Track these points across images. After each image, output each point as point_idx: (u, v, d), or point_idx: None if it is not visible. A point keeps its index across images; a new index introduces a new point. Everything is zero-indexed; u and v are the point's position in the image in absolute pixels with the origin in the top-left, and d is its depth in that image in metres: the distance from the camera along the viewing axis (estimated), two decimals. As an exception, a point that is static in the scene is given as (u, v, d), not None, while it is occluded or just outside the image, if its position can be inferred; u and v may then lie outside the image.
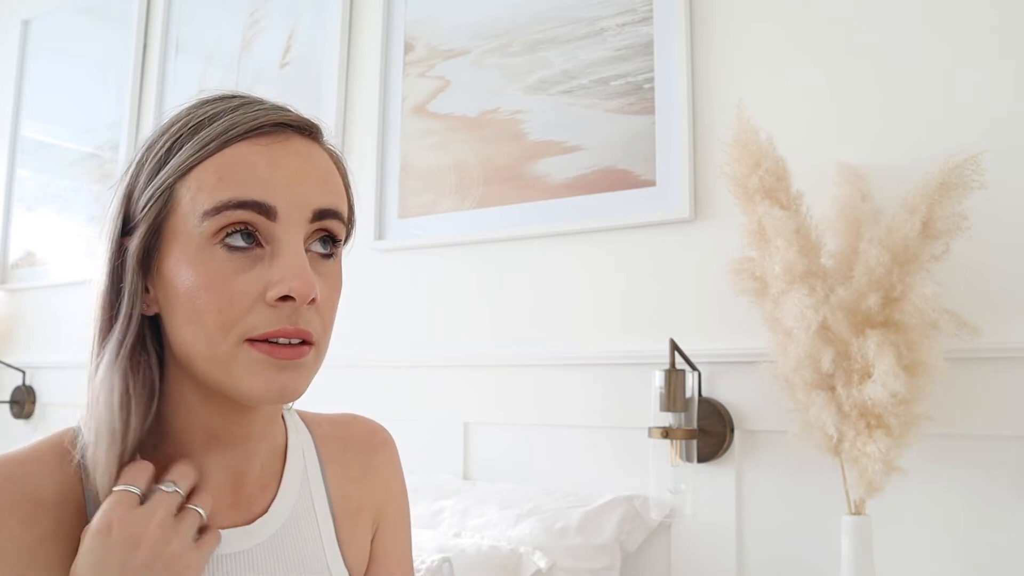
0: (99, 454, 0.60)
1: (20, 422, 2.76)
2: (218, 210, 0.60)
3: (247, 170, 0.61)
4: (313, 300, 0.62)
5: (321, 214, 0.64)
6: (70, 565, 0.59)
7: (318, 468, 0.76)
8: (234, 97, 0.66)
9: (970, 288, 1.30)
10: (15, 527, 0.59)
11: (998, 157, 1.26)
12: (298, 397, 0.64)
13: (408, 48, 2.05)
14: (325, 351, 0.67)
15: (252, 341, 0.61)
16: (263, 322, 0.61)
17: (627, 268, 1.65)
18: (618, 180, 1.68)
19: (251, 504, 0.69)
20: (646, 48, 1.67)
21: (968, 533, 1.29)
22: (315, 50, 2.23)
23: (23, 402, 2.73)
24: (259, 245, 0.62)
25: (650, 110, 1.65)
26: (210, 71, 2.49)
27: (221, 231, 0.61)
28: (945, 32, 1.38)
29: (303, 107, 0.69)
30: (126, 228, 0.64)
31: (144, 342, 0.64)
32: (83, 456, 0.62)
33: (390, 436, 0.84)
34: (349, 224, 0.70)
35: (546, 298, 1.75)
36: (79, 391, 0.64)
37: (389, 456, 0.83)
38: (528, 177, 1.80)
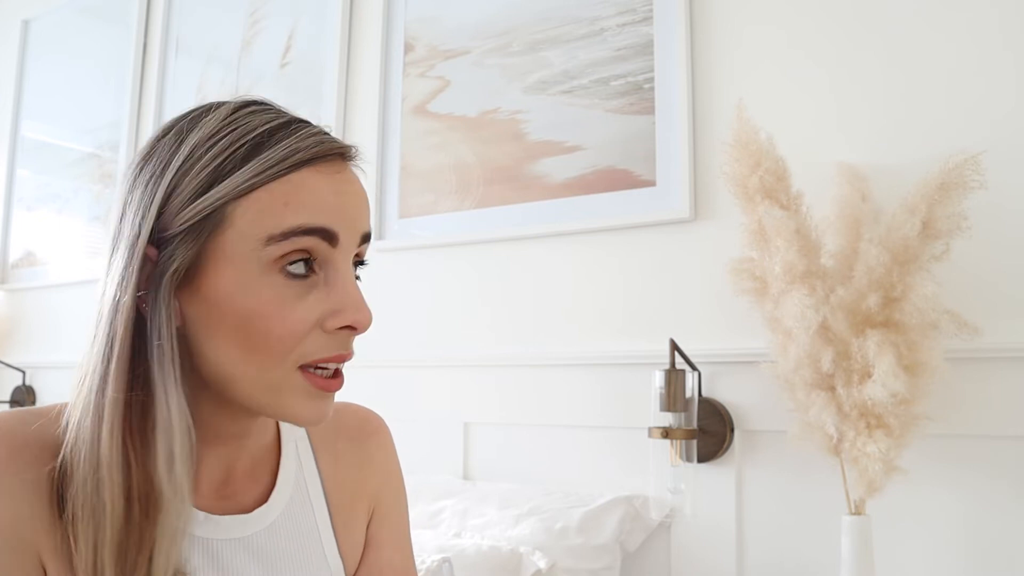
0: (179, 465, 0.60)
1: (20, 422, 2.76)
2: (286, 236, 0.61)
3: (314, 197, 0.62)
4: None
5: (365, 238, 0.67)
6: (40, 519, 0.60)
7: (312, 459, 0.77)
8: (280, 112, 0.66)
9: (970, 288, 1.30)
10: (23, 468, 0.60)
11: (998, 157, 1.26)
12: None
13: (408, 48, 2.05)
14: None
15: (304, 368, 0.63)
16: (318, 349, 0.63)
17: (627, 268, 1.65)
18: (618, 180, 1.68)
19: (241, 496, 0.71)
20: (646, 48, 1.67)
21: (968, 533, 1.29)
22: (315, 50, 2.23)
23: (23, 402, 2.73)
24: (313, 271, 0.63)
25: (650, 110, 1.65)
26: (210, 71, 2.49)
27: (284, 257, 0.61)
28: (946, 32, 1.38)
29: (303, 107, 0.69)
30: (155, 237, 0.61)
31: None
32: (66, 426, 0.62)
33: (383, 422, 0.85)
34: None
35: (546, 298, 1.75)
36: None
37: (383, 443, 0.83)
38: (528, 177, 1.80)
